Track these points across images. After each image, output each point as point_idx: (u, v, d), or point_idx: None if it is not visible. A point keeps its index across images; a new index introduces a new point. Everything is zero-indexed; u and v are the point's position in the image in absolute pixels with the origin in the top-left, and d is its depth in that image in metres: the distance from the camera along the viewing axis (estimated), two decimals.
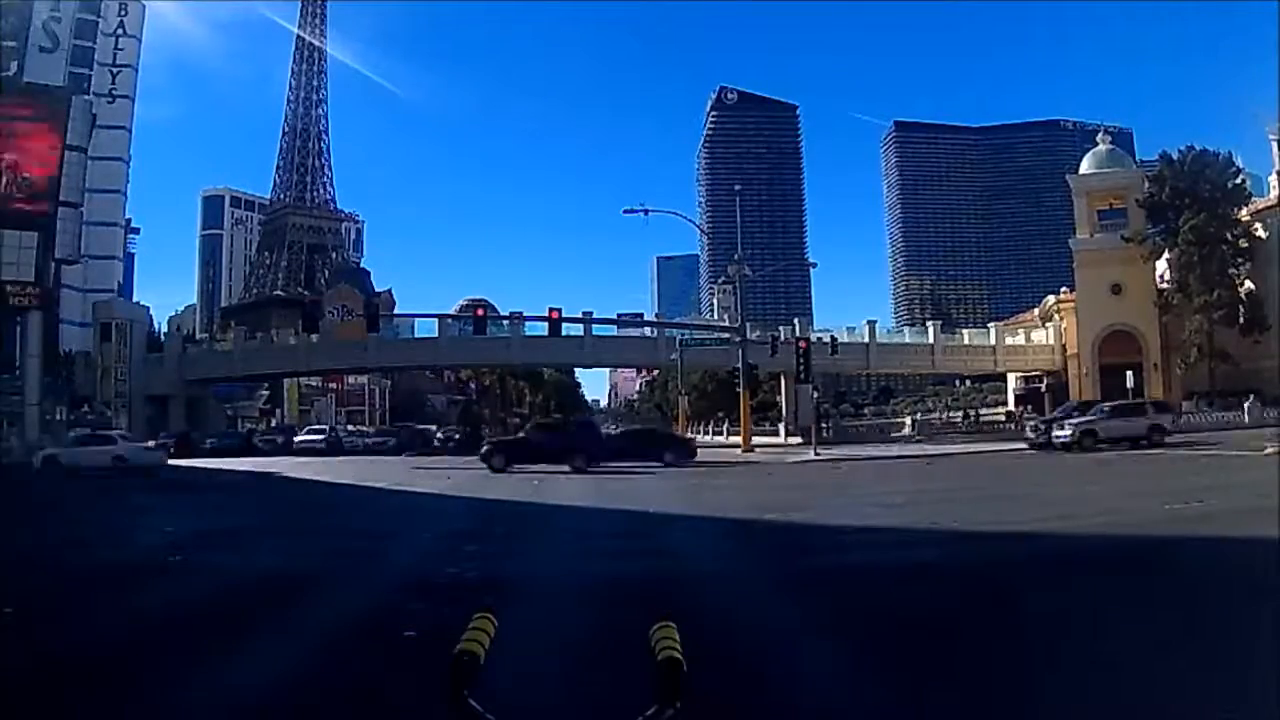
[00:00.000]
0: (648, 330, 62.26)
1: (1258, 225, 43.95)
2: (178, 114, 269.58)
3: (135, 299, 76.23)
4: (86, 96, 59.52)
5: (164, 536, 12.34)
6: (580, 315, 46.00)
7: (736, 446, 37.17)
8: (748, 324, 39.45)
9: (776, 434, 47.28)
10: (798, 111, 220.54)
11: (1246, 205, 44.68)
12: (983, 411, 62.01)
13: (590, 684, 4.79)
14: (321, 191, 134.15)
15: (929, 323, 61.76)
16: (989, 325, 61.32)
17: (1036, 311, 61.49)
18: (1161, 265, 47.04)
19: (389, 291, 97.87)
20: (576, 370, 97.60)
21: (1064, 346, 52.08)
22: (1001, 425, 49.63)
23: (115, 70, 75.01)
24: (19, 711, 4.57)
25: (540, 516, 15.10)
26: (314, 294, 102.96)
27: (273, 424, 66.73)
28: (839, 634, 6.03)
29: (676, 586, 7.86)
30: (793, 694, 4.72)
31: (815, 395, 37.38)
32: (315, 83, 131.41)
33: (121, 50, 76.33)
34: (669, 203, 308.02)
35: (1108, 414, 29.78)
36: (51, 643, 6.01)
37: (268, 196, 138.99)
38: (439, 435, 53.89)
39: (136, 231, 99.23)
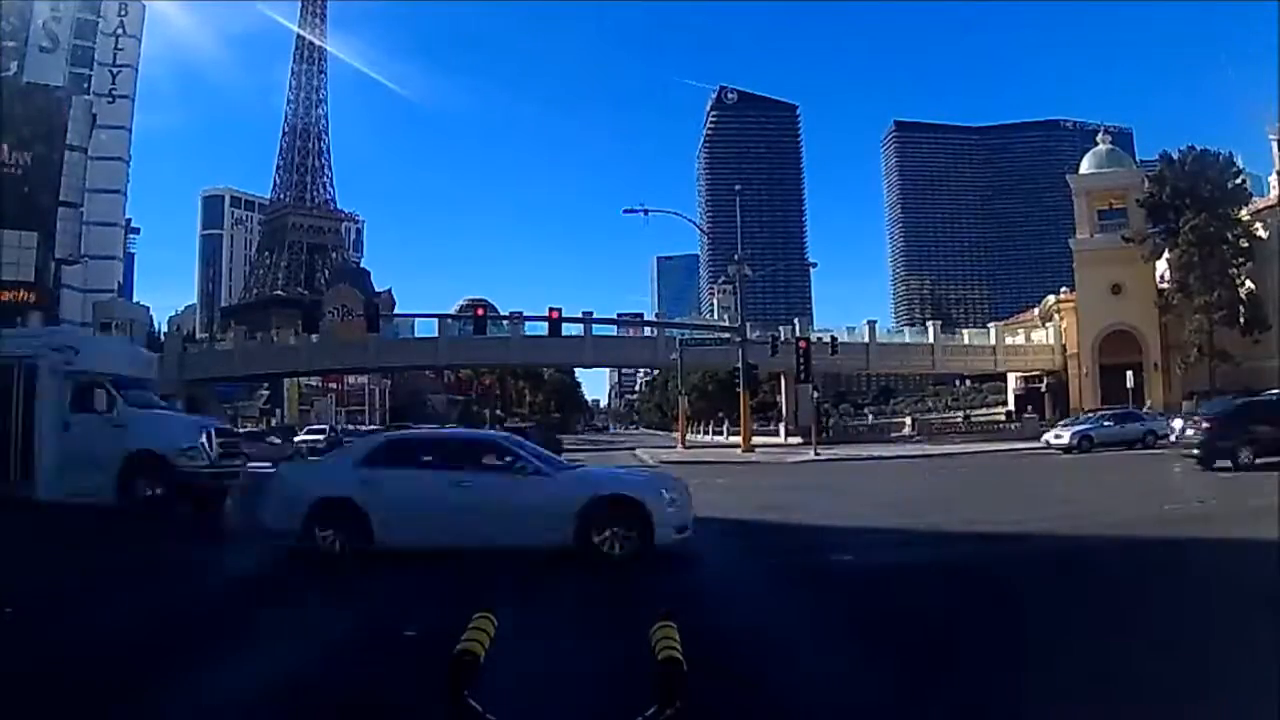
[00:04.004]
0: (648, 330, 62.25)
1: (1258, 225, 43.92)
2: (178, 114, 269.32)
3: (135, 299, 76.30)
4: (86, 96, 59.55)
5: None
6: (580, 315, 46.00)
7: (736, 446, 37.17)
8: (748, 324, 39.44)
9: (777, 434, 47.32)
10: (798, 111, 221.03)
11: (1246, 205, 44.66)
12: (979, 412, 62.10)
13: (590, 683, 4.79)
14: (321, 191, 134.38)
15: (929, 323, 61.72)
16: (989, 325, 61.32)
17: (1036, 311, 61.48)
18: (1161, 265, 47.02)
19: (389, 291, 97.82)
20: (576, 370, 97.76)
21: (1064, 346, 52.06)
22: (1000, 425, 49.72)
23: (115, 70, 74.91)
24: (18, 712, 4.57)
25: None
26: (314, 294, 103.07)
27: (273, 423, 66.72)
28: (839, 634, 6.03)
29: (676, 586, 7.86)
30: (793, 694, 4.72)
31: (815, 395, 37.39)
32: (315, 83, 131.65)
33: (121, 50, 76.22)
34: (669, 203, 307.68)
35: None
36: (48, 641, 6.00)
37: (268, 196, 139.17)
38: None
39: (136, 231, 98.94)
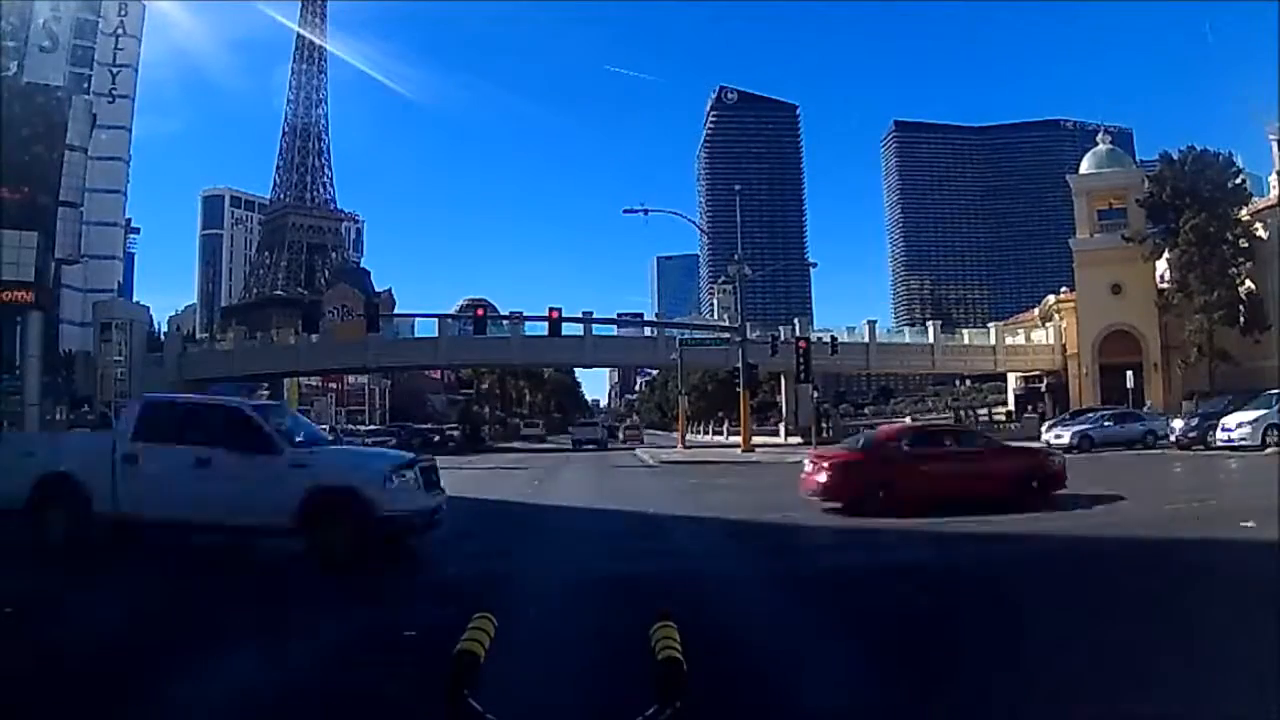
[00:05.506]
0: (648, 330, 62.23)
1: (1258, 225, 43.88)
2: (179, 114, 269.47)
3: (135, 299, 76.19)
4: (86, 96, 59.54)
5: None
6: (580, 315, 45.96)
7: (736, 446, 37.15)
8: (748, 324, 39.42)
9: (776, 434, 47.28)
10: (798, 111, 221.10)
11: (1246, 205, 44.63)
12: (979, 412, 62.02)
13: (590, 683, 4.79)
14: (321, 191, 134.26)
15: (929, 323, 61.66)
16: (989, 325, 61.25)
17: (1036, 311, 61.42)
18: (1161, 265, 46.98)
19: (389, 291, 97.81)
20: (576, 370, 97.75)
21: (1064, 346, 52.04)
22: (1000, 425, 49.66)
23: (115, 70, 74.94)
24: (19, 712, 4.56)
25: (542, 517, 15.06)
26: (314, 294, 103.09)
27: None
28: (839, 634, 6.03)
29: (678, 586, 7.86)
30: (793, 694, 4.72)
31: (815, 395, 37.39)
32: (315, 83, 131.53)
33: (121, 50, 76.25)
34: (669, 203, 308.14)
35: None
36: (49, 638, 6.00)
37: (268, 196, 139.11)
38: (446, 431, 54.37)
39: (136, 231, 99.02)
